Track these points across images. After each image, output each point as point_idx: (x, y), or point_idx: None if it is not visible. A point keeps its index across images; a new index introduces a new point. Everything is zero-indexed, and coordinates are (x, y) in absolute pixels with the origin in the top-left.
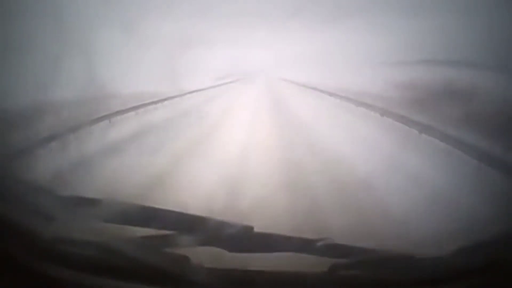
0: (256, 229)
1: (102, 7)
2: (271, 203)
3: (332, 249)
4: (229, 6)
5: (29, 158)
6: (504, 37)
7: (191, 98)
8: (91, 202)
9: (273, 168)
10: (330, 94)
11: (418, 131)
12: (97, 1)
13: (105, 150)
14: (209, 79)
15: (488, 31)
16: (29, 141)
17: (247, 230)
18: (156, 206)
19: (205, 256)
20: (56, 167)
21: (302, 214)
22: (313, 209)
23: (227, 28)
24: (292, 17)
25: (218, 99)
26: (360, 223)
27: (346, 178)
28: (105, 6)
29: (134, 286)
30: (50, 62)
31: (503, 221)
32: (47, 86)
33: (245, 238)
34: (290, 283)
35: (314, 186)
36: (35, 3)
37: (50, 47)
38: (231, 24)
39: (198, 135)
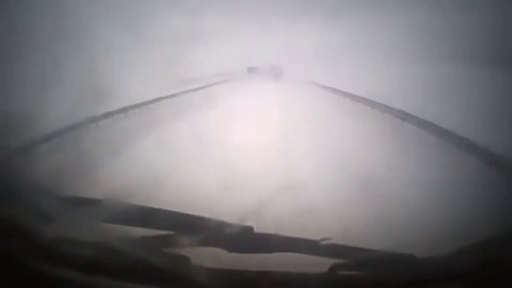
0: (256, 230)
1: (103, 7)
2: (271, 203)
3: (332, 249)
4: (230, 3)
5: (30, 158)
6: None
7: (191, 96)
8: (91, 202)
9: (273, 168)
10: (332, 90)
11: (420, 129)
12: (98, 1)
13: (105, 149)
14: (209, 77)
15: (489, 28)
16: (29, 141)
17: (247, 231)
18: (156, 206)
19: (205, 256)
20: (57, 167)
21: (302, 214)
22: (313, 209)
23: (227, 25)
24: (295, 12)
25: (219, 97)
26: (360, 224)
27: (345, 178)
28: (105, 6)
29: (134, 286)
30: (51, 62)
31: (502, 220)
32: (49, 85)
33: (245, 239)
34: (290, 283)
35: (314, 186)
36: (36, 3)
37: (51, 46)
38: (232, 21)
39: (199, 134)
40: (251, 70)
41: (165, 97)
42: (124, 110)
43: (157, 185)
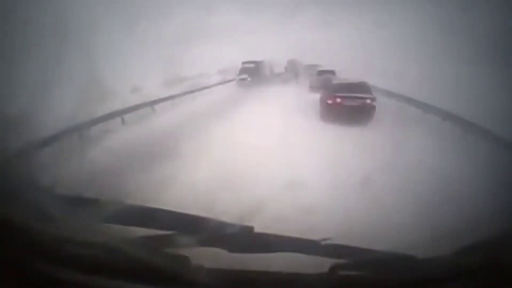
0: (256, 230)
1: (103, 7)
2: (271, 203)
3: (332, 249)
4: (232, 2)
5: (30, 158)
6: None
7: (192, 96)
8: (91, 202)
9: (274, 168)
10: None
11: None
12: (98, 1)
13: (105, 150)
14: (210, 76)
15: (488, 26)
16: (30, 141)
17: (247, 231)
18: (156, 206)
19: (205, 256)
20: (57, 167)
21: (303, 214)
22: (313, 209)
23: (229, 23)
24: (296, 11)
25: (220, 97)
26: (360, 224)
27: (346, 178)
28: (105, 6)
29: (134, 286)
30: (51, 62)
31: (503, 221)
32: (49, 86)
33: (245, 239)
34: (290, 283)
35: (314, 186)
36: (37, 3)
37: (51, 47)
38: (233, 19)
39: (200, 134)
40: (246, 66)
41: (167, 97)
42: (125, 110)
43: (158, 185)
